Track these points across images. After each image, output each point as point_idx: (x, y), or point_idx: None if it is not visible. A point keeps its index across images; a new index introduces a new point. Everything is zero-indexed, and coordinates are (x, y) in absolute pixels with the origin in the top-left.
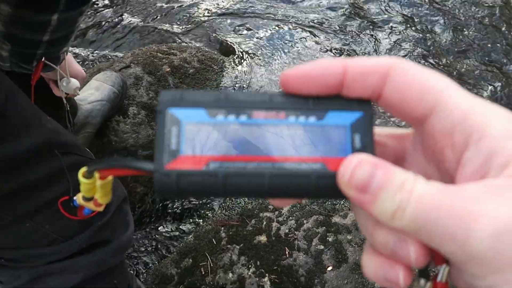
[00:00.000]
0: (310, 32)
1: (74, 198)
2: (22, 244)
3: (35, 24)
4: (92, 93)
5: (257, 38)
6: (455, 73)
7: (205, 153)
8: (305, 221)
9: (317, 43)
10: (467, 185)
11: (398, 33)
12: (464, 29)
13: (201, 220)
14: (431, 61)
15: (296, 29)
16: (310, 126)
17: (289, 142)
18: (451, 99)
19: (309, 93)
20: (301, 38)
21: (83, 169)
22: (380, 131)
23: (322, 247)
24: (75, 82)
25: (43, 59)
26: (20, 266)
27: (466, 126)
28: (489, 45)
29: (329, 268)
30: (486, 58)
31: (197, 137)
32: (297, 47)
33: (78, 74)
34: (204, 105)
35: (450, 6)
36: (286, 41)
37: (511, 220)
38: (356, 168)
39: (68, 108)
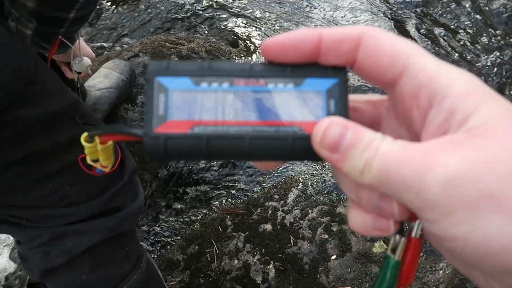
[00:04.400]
0: (318, 25)
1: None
2: (42, 204)
3: (65, 1)
4: (101, 80)
5: (264, 30)
6: None
7: (190, 118)
8: (310, 211)
9: None
10: (428, 141)
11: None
12: None
13: (207, 209)
14: None
15: (304, 23)
16: (288, 92)
17: (268, 107)
18: (417, 63)
19: (287, 61)
20: None
21: (84, 134)
22: (358, 98)
23: (326, 236)
24: (87, 60)
25: (59, 37)
26: (39, 226)
27: (431, 88)
28: None
29: (333, 257)
30: None
31: (183, 103)
32: None
33: (88, 55)
34: (189, 74)
35: None
36: None
37: (460, 169)
38: (327, 129)
39: (79, 86)
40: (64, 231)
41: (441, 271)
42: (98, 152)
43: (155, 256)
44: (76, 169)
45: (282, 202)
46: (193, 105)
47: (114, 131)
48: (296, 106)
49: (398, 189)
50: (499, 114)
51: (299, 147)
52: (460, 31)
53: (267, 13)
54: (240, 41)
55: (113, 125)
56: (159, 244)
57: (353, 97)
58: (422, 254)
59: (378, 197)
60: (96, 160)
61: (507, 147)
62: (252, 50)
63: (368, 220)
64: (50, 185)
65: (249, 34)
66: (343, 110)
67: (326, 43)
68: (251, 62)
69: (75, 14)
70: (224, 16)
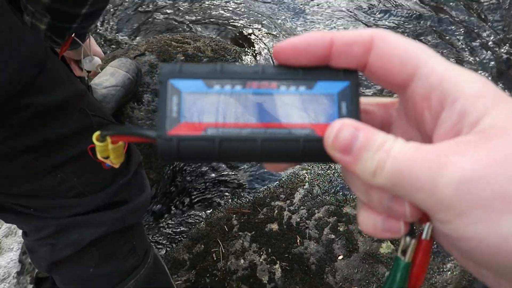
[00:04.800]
0: (325, 25)
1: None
2: (50, 194)
3: None
4: (107, 78)
5: (271, 30)
6: None
7: (203, 120)
8: (316, 211)
9: None
10: (440, 143)
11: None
12: None
13: (212, 208)
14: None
15: (311, 23)
16: (300, 94)
17: (280, 110)
18: (428, 65)
19: (299, 64)
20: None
21: (96, 133)
22: (369, 100)
23: (333, 236)
24: (98, 60)
25: (73, 35)
26: (46, 216)
27: (442, 90)
28: None
29: (340, 257)
30: None
31: (195, 105)
32: None
33: (98, 55)
34: (201, 76)
35: None
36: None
37: (473, 169)
38: (339, 131)
39: (89, 84)
40: (70, 222)
41: (449, 272)
42: (108, 151)
43: (162, 255)
44: (84, 160)
45: (288, 201)
46: (206, 107)
47: (127, 132)
48: (308, 108)
49: (411, 190)
50: (510, 116)
51: (311, 149)
52: (450, 36)
53: (272, 14)
54: (245, 40)
55: (126, 126)
56: (165, 243)
57: (363, 100)
58: None
59: (389, 198)
60: (106, 157)
61: None
62: (258, 50)
63: (379, 222)
64: (59, 176)
65: (254, 34)
66: (355, 112)
67: (338, 46)
68: (263, 65)
69: (87, 10)
70: (229, 16)
